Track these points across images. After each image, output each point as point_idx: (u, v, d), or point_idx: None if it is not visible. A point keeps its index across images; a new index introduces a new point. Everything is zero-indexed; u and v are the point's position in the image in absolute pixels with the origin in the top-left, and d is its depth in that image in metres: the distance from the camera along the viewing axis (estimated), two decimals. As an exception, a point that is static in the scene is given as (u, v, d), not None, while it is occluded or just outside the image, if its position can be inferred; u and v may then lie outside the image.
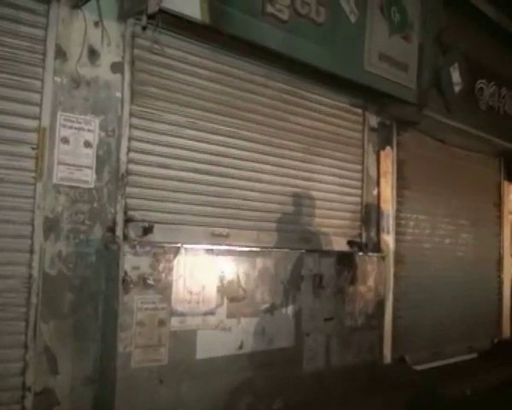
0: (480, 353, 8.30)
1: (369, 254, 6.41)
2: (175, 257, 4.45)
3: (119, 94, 4.37)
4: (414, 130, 7.25)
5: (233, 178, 5.22)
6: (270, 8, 4.89)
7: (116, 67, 4.35)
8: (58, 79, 4.02)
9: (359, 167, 6.58)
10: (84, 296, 4.12)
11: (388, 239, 6.79)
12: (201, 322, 4.61)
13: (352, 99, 6.40)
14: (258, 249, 5.22)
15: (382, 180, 6.76)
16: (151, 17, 4.22)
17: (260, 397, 4.97)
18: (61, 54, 4.05)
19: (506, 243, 9.49)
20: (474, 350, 8.25)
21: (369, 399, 5.59)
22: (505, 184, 9.51)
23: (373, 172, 6.69)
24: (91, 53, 4.19)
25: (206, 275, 4.65)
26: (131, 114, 4.50)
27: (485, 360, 8.08)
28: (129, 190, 4.46)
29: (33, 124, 3.96)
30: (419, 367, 7.08)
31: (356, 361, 5.95)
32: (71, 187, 4.06)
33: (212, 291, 4.71)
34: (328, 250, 5.95)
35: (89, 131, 4.16)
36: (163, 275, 4.36)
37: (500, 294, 9.35)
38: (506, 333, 9.36)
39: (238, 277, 4.94)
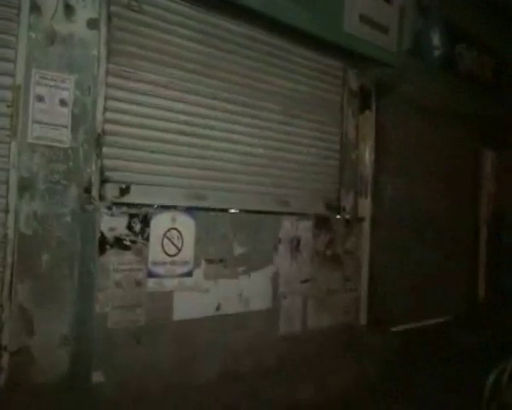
0: (455, 315, 8.43)
1: (347, 217, 6.45)
2: (152, 218, 4.45)
3: (95, 52, 4.26)
4: (393, 94, 7.21)
5: (211, 139, 5.16)
6: (249, -33, 4.82)
7: (92, 24, 4.23)
8: (33, 35, 3.90)
9: (338, 130, 6.55)
10: (60, 257, 4.07)
11: (366, 203, 6.82)
12: (178, 284, 4.64)
13: (332, 61, 6.34)
14: (236, 211, 5.22)
15: (361, 144, 6.77)
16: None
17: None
18: (35, 8, 3.91)
19: (482, 208, 9.60)
20: (450, 312, 8.37)
21: (343, 361, 5.67)
22: (483, 149, 9.58)
23: (352, 136, 6.67)
24: (67, 8, 4.06)
25: (183, 237, 4.66)
26: (108, 73, 4.41)
27: (461, 322, 8.22)
28: (105, 150, 4.40)
29: (8, 81, 3.86)
30: (395, 329, 7.18)
31: (332, 323, 6.05)
32: (46, 146, 3.97)
33: (189, 253, 4.72)
34: (306, 213, 5.95)
35: (64, 89, 4.06)
36: (139, 236, 4.37)
37: (476, 258, 9.50)
38: (481, 295, 9.54)
39: (215, 239, 4.96)
